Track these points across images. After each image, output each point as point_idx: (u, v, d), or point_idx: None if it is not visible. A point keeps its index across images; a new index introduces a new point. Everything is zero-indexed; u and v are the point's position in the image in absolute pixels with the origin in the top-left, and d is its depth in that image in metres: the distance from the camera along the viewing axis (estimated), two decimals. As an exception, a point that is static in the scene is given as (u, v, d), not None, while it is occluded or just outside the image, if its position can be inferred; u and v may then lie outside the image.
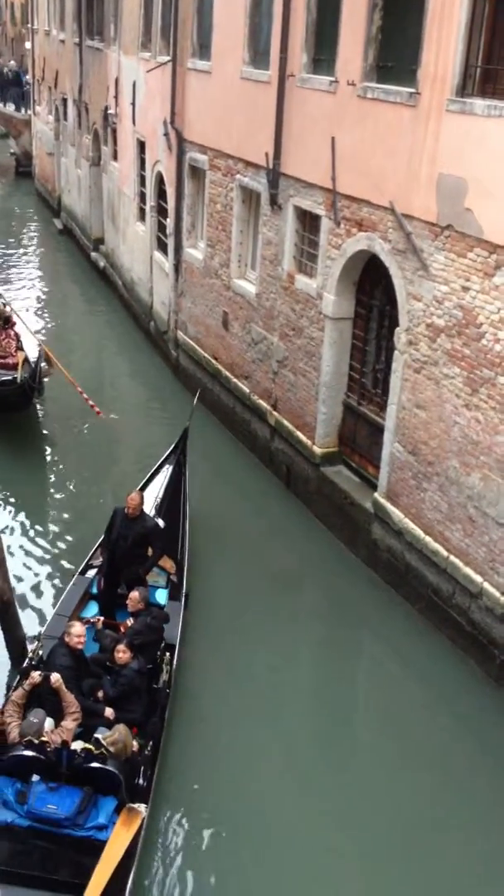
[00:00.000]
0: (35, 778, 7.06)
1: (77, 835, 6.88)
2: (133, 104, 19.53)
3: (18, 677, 8.26)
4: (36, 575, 11.25)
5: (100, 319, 21.90)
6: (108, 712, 7.92)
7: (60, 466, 14.46)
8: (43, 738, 7.25)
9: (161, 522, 10.46)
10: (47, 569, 11.44)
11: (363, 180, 10.82)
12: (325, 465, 12.46)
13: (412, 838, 7.91)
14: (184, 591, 10.11)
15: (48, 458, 14.69)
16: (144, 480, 11.71)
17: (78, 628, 8.16)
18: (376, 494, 11.33)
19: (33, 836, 6.84)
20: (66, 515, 13.01)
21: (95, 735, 7.48)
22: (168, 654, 8.84)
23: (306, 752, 8.94)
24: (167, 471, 11.86)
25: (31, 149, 36.11)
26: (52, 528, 12.61)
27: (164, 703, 8.37)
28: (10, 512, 12.81)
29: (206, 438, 15.23)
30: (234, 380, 14.93)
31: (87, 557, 10.45)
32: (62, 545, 12.02)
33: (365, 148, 10.72)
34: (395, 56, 10.26)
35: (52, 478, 14.16)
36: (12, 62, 43.64)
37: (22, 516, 12.70)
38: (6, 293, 20.77)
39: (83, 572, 10.17)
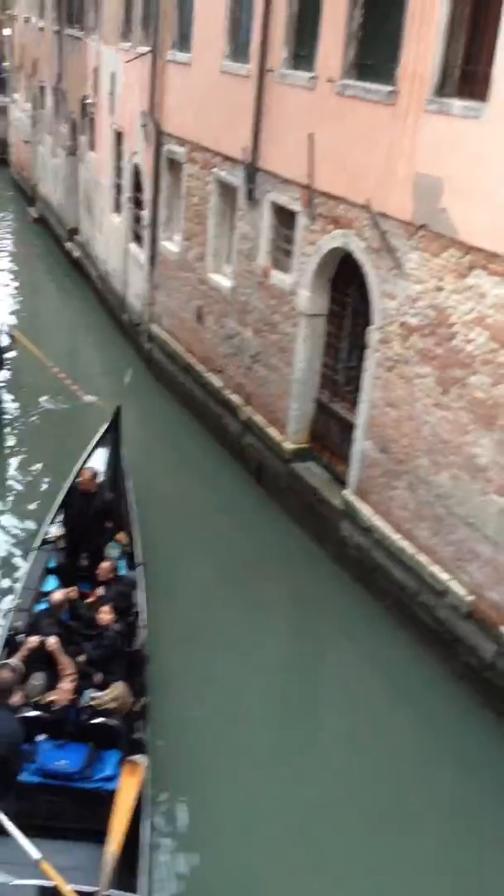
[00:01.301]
0: (41, 737, 7.39)
1: (87, 787, 7.26)
2: (111, 94, 19.43)
3: (4, 648, 8.40)
4: None
5: (73, 310, 21.79)
6: (98, 676, 8.18)
7: (19, 444, 14.63)
8: (50, 699, 7.56)
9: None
10: (3, 545, 11.58)
11: (340, 177, 10.84)
12: (295, 461, 12.48)
13: (364, 822, 8.09)
14: (140, 560, 10.25)
15: (7, 434, 14.86)
16: (83, 459, 11.75)
17: (62, 596, 8.60)
18: (346, 491, 11.37)
19: (45, 792, 7.19)
20: (22, 490, 13.14)
21: (92, 694, 7.78)
22: (142, 616, 9.15)
23: (271, 730, 9.22)
24: (104, 449, 12.03)
25: (8, 136, 35.81)
26: (9, 501, 12.77)
27: (145, 663, 8.63)
28: None
29: (176, 432, 15.27)
30: (207, 374, 14.91)
31: (43, 533, 10.55)
32: (18, 521, 12.17)
33: (343, 145, 10.74)
34: (375, 54, 10.27)
35: (11, 454, 14.32)
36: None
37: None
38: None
39: (40, 547, 10.28)
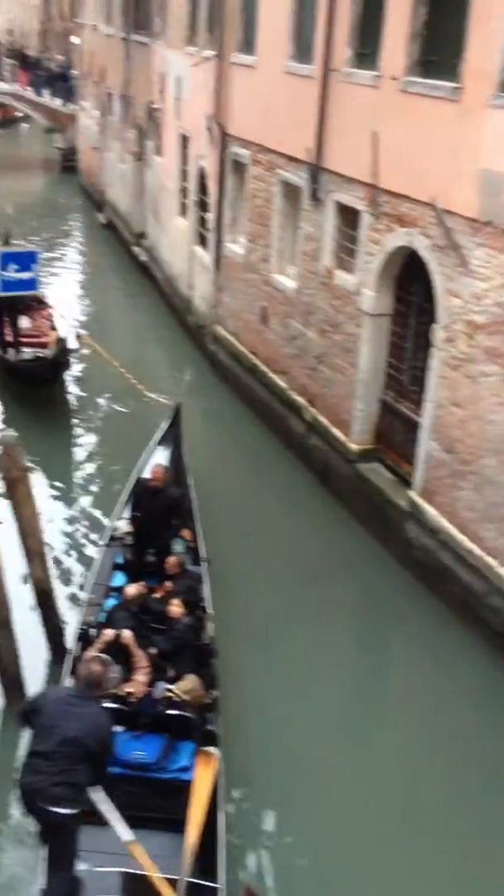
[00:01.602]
0: (118, 728, 7.47)
1: (164, 777, 7.47)
2: (177, 99, 19.59)
3: (78, 641, 8.55)
4: (62, 547, 11.60)
5: (139, 312, 22.06)
6: (171, 669, 8.29)
7: (85, 441, 15.02)
8: (129, 690, 7.75)
9: None
10: (74, 540, 11.79)
11: (404, 175, 10.75)
12: (360, 462, 12.41)
13: (435, 821, 8.07)
14: (204, 556, 10.32)
15: (74, 432, 15.23)
16: (146, 456, 11.88)
17: (137, 590, 8.68)
18: (411, 492, 11.27)
19: (124, 782, 7.28)
20: (88, 487, 13.41)
21: (166, 686, 7.90)
22: (209, 611, 9.24)
23: (337, 726, 9.26)
24: (166, 447, 12.18)
25: (77, 143, 36.36)
26: (76, 497, 13.03)
27: (213, 656, 8.69)
28: (37, 483, 13.07)
29: (241, 434, 15.31)
30: (271, 375, 14.93)
31: (110, 529, 10.69)
32: (85, 517, 12.40)
33: (407, 143, 10.66)
34: (439, 51, 10.18)
35: (78, 451, 14.69)
36: (60, 57, 43.95)
37: (46, 487, 13.06)
38: (49, 284, 21.08)
39: (108, 543, 10.44)
